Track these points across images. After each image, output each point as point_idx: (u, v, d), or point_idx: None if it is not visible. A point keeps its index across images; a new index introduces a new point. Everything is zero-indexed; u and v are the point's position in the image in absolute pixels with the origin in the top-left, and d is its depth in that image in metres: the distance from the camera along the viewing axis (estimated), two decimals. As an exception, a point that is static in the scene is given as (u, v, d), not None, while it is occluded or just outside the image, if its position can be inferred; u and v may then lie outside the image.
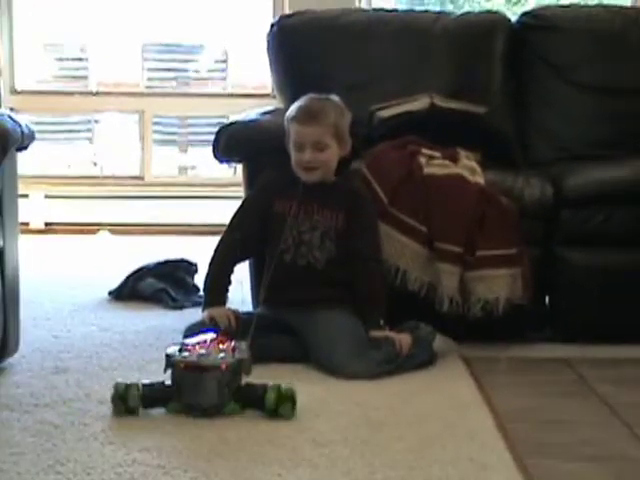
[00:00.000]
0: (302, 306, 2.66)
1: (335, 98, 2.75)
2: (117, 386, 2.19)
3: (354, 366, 2.51)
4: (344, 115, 2.73)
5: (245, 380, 2.22)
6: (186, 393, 2.18)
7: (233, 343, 2.24)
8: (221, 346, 2.23)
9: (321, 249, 2.67)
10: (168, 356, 2.21)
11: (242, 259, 2.82)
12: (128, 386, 2.18)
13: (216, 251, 2.75)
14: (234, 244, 2.74)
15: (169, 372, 2.21)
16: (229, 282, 2.72)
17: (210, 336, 2.28)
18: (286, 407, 2.16)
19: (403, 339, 2.59)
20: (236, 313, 2.66)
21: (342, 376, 2.49)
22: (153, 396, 2.20)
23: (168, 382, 2.22)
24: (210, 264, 2.74)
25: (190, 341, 2.26)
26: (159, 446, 1.98)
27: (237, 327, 2.60)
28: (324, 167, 2.69)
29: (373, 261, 2.71)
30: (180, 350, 2.21)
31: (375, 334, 2.59)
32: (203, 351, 2.19)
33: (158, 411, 2.20)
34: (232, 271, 2.73)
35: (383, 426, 2.13)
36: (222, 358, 2.18)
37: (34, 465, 1.88)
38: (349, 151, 2.74)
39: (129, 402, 2.16)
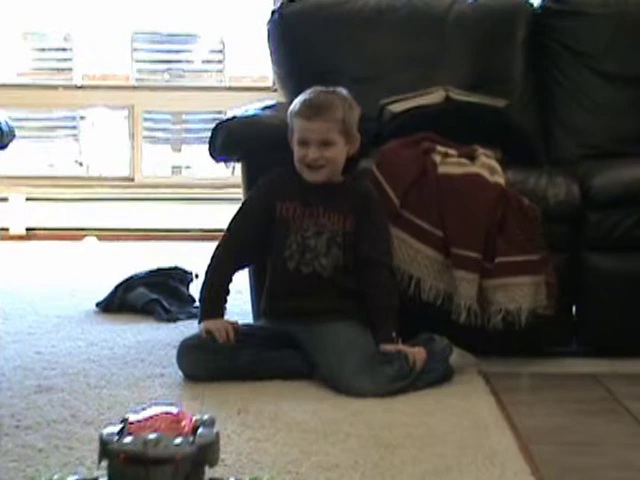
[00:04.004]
0: (307, 318, 2.66)
1: (343, 91, 2.76)
2: None
3: (364, 383, 2.51)
4: (352, 110, 2.73)
5: (210, 474, 1.79)
6: None
7: (194, 419, 1.80)
8: (178, 425, 1.78)
9: (327, 256, 2.68)
10: (103, 442, 1.74)
11: (242, 267, 2.83)
12: None
13: (213, 258, 2.75)
14: (233, 251, 2.75)
15: (105, 464, 1.73)
16: (227, 292, 2.73)
17: (163, 411, 1.82)
18: None
19: (417, 353, 2.59)
20: (235, 325, 2.67)
21: (351, 393, 2.49)
22: None
23: (104, 479, 1.75)
24: (207, 272, 2.75)
25: (135, 418, 1.79)
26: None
27: (236, 341, 2.62)
28: (330, 165, 2.70)
29: (384, 268, 2.71)
30: (120, 432, 1.74)
31: (386, 348, 2.59)
32: (152, 435, 1.72)
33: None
34: (231, 280, 2.74)
35: (396, 448, 2.14)
36: (178, 445, 1.72)
37: (16, 492, 1.89)
38: (357, 149, 2.75)
39: None
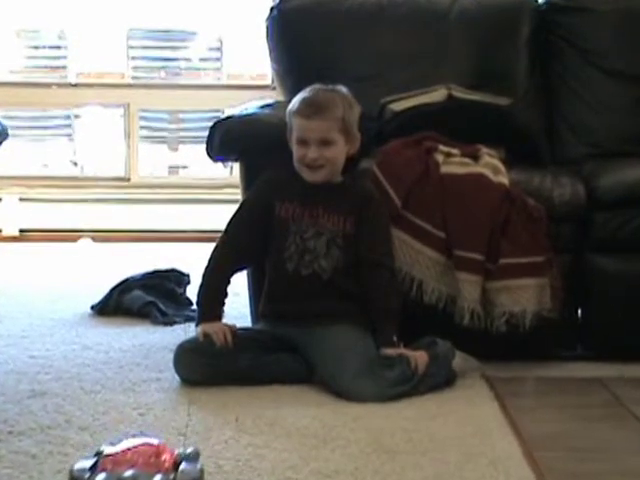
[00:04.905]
0: (306, 321, 2.66)
1: (343, 89, 2.76)
2: None
3: (364, 387, 2.51)
4: (353, 108, 2.73)
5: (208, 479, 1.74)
6: None
7: (176, 453, 1.67)
8: (157, 460, 1.64)
9: (327, 257, 2.68)
10: (74, 478, 1.64)
11: (240, 268, 2.83)
12: None
13: (210, 260, 2.75)
14: (231, 252, 2.75)
15: None
16: (225, 294, 2.73)
17: (141, 442, 1.69)
18: None
19: (419, 357, 2.59)
20: (233, 328, 2.67)
21: (351, 398, 2.49)
22: None
23: None
24: (204, 274, 2.75)
25: (110, 450, 1.66)
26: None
27: (234, 344, 2.62)
28: (330, 165, 2.70)
29: (385, 270, 2.71)
30: (93, 468, 1.62)
31: (387, 352, 2.59)
32: (128, 472, 1.59)
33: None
34: (228, 282, 2.74)
35: (397, 454, 2.13)
36: None
37: (9, 499, 1.89)
38: (358, 148, 2.75)
39: None
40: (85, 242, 5.21)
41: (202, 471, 1.68)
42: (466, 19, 3.54)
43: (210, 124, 3.01)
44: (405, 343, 2.65)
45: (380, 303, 2.67)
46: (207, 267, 2.75)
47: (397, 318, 2.66)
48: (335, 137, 2.67)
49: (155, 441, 1.69)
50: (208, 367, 2.60)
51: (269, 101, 3.35)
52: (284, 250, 2.70)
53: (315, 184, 2.71)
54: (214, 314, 2.71)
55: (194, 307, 3.11)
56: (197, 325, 2.72)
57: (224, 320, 2.72)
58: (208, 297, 2.74)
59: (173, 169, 6.19)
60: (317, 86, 2.76)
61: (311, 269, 2.68)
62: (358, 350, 2.59)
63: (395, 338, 2.62)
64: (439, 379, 2.63)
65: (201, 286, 2.76)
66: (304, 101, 2.70)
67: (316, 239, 2.69)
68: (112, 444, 1.71)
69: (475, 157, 2.92)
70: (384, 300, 2.67)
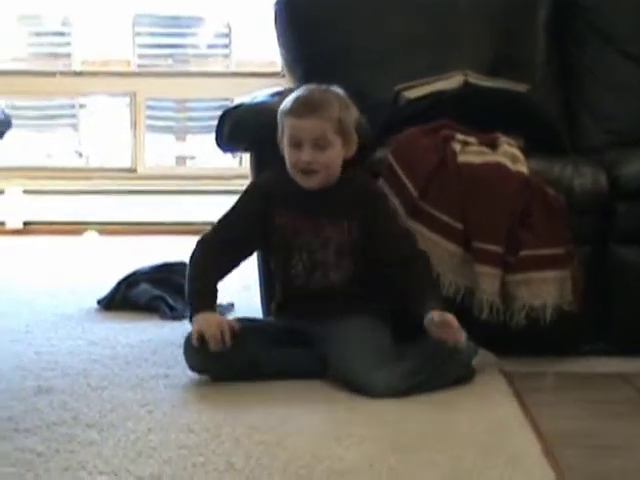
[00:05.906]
0: (320, 317, 2.66)
1: (338, 89, 2.70)
2: None
3: (378, 378, 2.49)
4: (349, 109, 2.67)
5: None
6: None
7: None
8: None
9: (337, 269, 2.66)
10: None
11: (231, 259, 2.72)
12: None
13: (198, 249, 2.68)
14: (220, 245, 2.70)
15: None
16: (215, 285, 2.64)
17: None
18: None
19: (458, 331, 2.51)
20: (232, 324, 2.58)
21: (364, 389, 2.49)
22: None
23: None
24: (192, 263, 2.66)
25: None
26: (156, 474, 1.99)
27: (243, 336, 2.58)
28: (325, 170, 2.63)
29: (416, 260, 2.66)
30: None
31: (435, 314, 2.48)
32: None
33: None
34: (221, 270, 2.67)
35: (413, 451, 2.14)
36: None
37: (14, 498, 1.90)
38: (355, 151, 2.69)
39: None
40: (91, 235, 5.23)
41: None
42: (482, 2, 3.54)
43: (219, 113, 3.01)
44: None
45: (419, 294, 2.60)
46: (194, 256, 2.67)
47: (439, 294, 2.63)
48: (331, 138, 2.61)
49: None
50: (219, 357, 2.53)
51: (279, 89, 3.35)
52: (290, 268, 2.68)
53: (312, 191, 2.65)
54: (206, 305, 2.59)
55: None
56: (191, 320, 2.60)
57: (235, 314, 2.70)
58: (196, 289, 2.63)
59: (180, 159, 6.20)
60: (311, 86, 2.70)
61: (321, 284, 2.66)
62: (372, 341, 2.56)
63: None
64: (456, 374, 2.61)
65: (190, 277, 2.66)
66: (297, 100, 2.64)
67: (323, 251, 2.66)
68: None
69: (493, 146, 2.91)
70: (422, 290, 2.61)
